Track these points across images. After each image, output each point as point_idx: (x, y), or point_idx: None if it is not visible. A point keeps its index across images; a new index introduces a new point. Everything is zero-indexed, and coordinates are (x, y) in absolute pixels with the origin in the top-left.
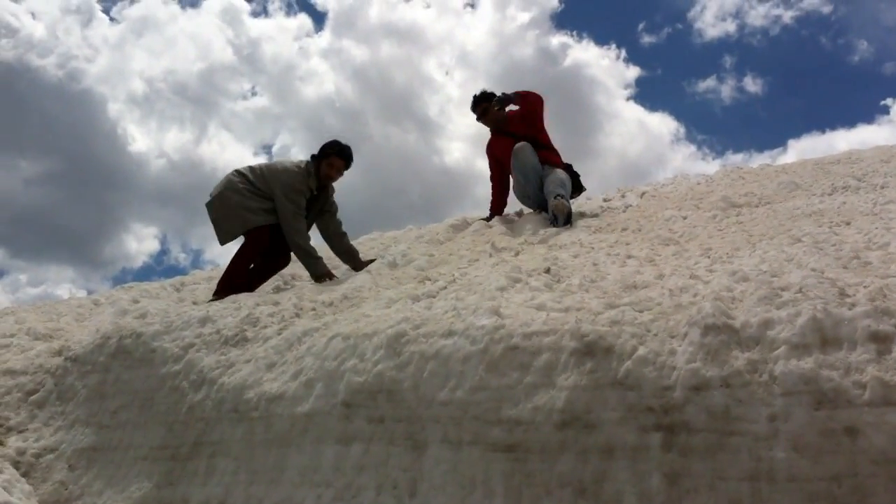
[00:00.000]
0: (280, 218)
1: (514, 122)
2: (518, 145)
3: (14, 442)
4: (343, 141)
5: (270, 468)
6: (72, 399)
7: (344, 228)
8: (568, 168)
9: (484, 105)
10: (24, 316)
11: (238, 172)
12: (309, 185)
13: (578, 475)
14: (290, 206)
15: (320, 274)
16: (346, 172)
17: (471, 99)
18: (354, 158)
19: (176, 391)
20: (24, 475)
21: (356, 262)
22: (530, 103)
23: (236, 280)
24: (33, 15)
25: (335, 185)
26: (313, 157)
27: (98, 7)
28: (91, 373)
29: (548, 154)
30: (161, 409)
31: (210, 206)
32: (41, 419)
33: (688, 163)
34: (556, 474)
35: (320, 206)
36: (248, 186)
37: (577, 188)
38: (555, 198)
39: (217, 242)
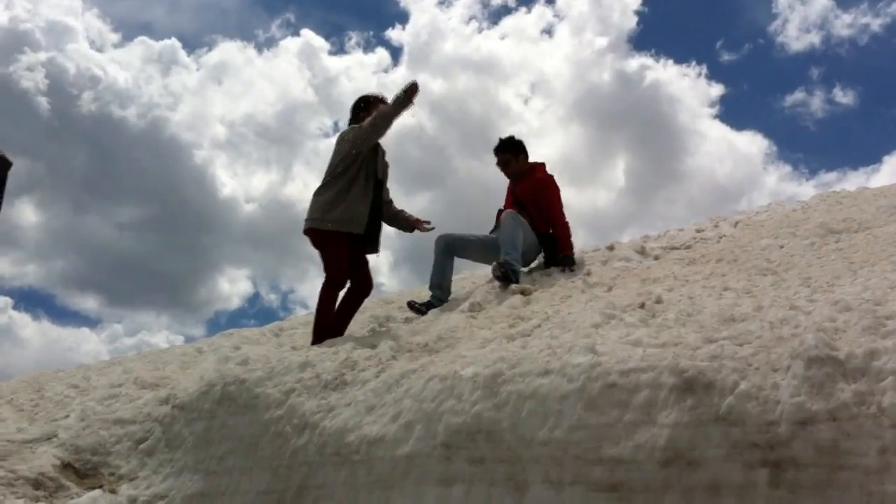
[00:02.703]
0: (364, 134)
1: (525, 189)
2: (505, 214)
3: (126, 490)
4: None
5: None
6: (180, 446)
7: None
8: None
9: (506, 156)
10: (131, 366)
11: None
12: None
13: None
14: (353, 135)
15: (404, 94)
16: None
17: (497, 141)
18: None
19: (279, 436)
20: None
21: (406, 224)
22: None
23: (326, 318)
24: (119, 65)
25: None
26: (352, 123)
27: (183, 52)
28: (197, 420)
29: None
30: (265, 454)
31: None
32: (151, 467)
33: (781, 184)
34: None
35: (381, 168)
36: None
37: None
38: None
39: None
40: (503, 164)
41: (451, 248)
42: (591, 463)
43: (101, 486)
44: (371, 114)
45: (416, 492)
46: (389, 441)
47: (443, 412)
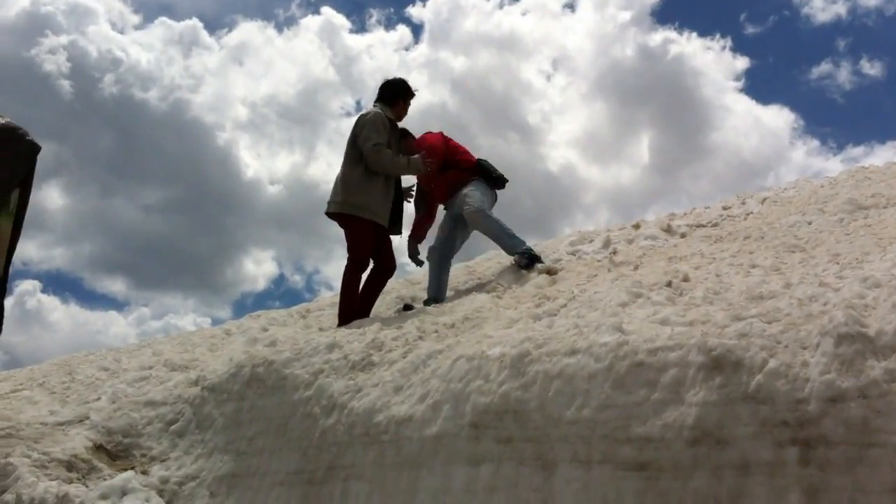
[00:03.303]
0: (364, 155)
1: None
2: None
3: (157, 471)
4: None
5: (403, 491)
6: (210, 427)
7: None
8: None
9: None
10: (161, 348)
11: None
12: (387, 119)
13: (713, 492)
14: (369, 143)
15: (417, 165)
16: None
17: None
18: None
19: (308, 417)
20: (168, 503)
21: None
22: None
23: (351, 300)
24: (141, 46)
25: None
26: (381, 101)
27: (204, 33)
28: (227, 401)
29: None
30: (295, 435)
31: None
32: (182, 448)
33: (809, 159)
34: (691, 492)
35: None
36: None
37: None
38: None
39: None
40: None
41: (446, 256)
42: (620, 442)
43: (132, 468)
44: (401, 104)
45: (444, 471)
46: (417, 421)
47: (470, 392)
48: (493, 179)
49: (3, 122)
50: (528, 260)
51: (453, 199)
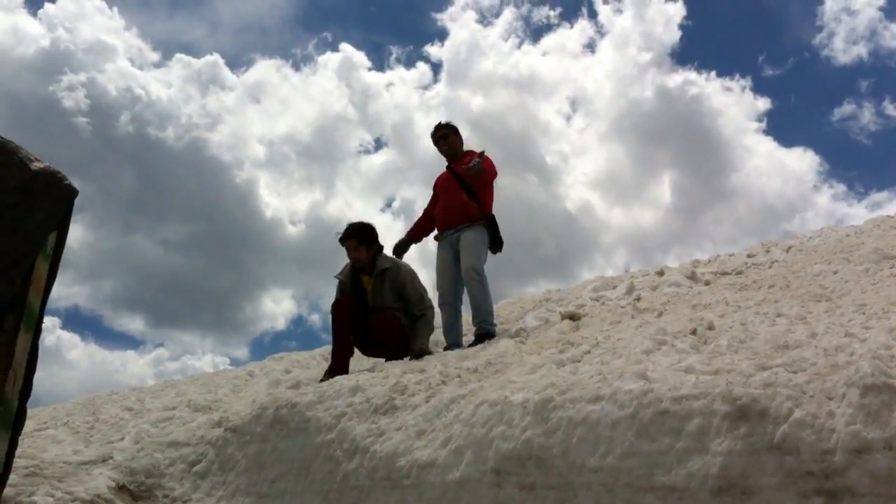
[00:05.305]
0: None
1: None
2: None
3: None
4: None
5: None
6: (232, 469)
7: (420, 312)
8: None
9: (444, 132)
10: (184, 389)
11: None
12: (345, 273)
13: None
14: None
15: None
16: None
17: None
18: (373, 228)
19: (330, 460)
20: None
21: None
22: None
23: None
24: (161, 84)
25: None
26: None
27: (224, 71)
28: (250, 443)
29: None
30: (317, 478)
31: None
32: (204, 489)
33: (835, 203)
34: None
35: (395, 292)
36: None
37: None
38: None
39: None
40: (442, 139)
41: (457, 307)
42: (643, 490)
43: None
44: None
45: None
46: (440, 466)
47: (493, 438)
48: (495, 239)
49: (42, 166)
50: (485, 337)
51: (452, 234)
